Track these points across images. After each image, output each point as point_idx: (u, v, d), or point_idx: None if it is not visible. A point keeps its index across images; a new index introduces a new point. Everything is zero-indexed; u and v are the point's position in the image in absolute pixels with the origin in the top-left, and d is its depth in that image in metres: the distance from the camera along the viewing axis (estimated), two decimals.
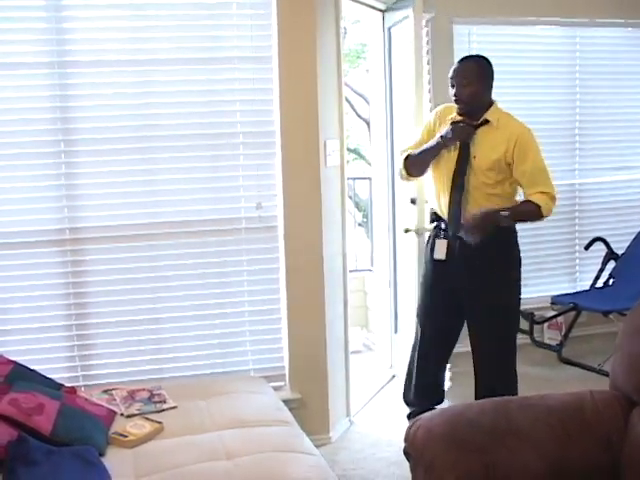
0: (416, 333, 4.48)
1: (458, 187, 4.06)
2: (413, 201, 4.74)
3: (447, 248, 4.17)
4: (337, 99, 4.48)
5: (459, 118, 4.09)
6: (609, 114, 6.44)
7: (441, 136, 4.07)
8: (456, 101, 4.06)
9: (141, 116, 4.16)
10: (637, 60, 6.45)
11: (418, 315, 4.46)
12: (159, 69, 4.15)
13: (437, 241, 4.22)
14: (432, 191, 4.32)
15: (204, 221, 4.27)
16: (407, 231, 4.77)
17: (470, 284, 4.14)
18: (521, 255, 4.22)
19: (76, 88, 4.06)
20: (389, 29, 5.40)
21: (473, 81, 4.00)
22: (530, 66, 6.14)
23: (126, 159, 4.14)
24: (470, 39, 5.94)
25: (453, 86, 4.04)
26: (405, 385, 4.56)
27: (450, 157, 4.10)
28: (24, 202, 4.05)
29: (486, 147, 4.02)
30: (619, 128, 6.49)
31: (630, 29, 6.37)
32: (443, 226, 4.20)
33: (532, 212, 4.01)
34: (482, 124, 4.06)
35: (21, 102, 4.00)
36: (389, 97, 5.48)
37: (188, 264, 4.28)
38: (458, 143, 4.06)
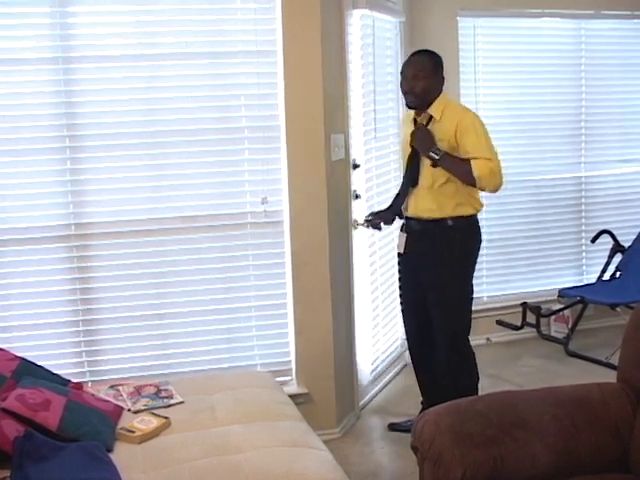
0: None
1: (409, 182, 4.19)
2: (357, 196, 4.72)
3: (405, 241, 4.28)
4: (342, 93, 4.47)
5: (413, 115, 4.20)
6: (615, 106, 6.44)
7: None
8: (407, 94, 4.10)
9: (146, 111, 4.16)
10: None
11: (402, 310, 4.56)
12: (163, 64, 4.14)
13: (400, 234, 4.34)
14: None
15: (210, 216, 4.27)
16: (357, 226, 4.74)
17: (425, 275, 4.22)
18: (480, 247, 4.31)
19: (81, 83, 4.06)
20: None
21: (429, 74, 4.06)
22: (535, 58, 6.13)
23: (131, 154, 4.14)
24: (475, 32, 5.93)
25: (405, 79, 4.10)
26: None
27: (406, 152, 4.23)
28: (30, 198, 4.05)
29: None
30: (625, 120, 6.48)
31: (636, 21, 6.35)
32: (404, 220, 4.33)
33: (464, 170, 3.97)
34: (430, 119, 4.10)
35: (26, 98, 4.00)
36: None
37: (194, 259, 4.28)
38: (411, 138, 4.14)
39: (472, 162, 3.93)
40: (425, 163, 4.07)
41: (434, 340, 4.31)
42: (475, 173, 3.93)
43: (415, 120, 4.17)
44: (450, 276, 4.16)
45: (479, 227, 4.26)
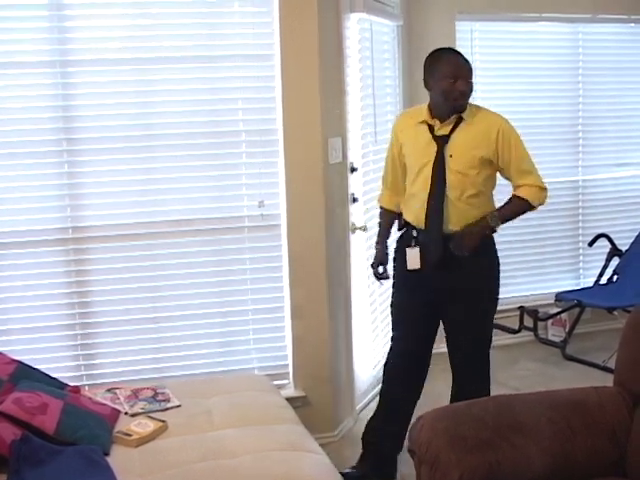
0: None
1: (438, 194, 3.73)
2: (355, 199, 4.72)
3: (421, 256, 3.82)
4: (339, 97, 4.47)
5: (424, 119, 3.79)
6: (612, 110, 6.44)
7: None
8: (461, 97, 3.69)
9: (143, 115, 4.16)
10: None
11: (396, 332, 4.09)
12: (161, 67, 4.14)
13: (408, 250, 3.85)
14: (404, 196, 3.96)
15: (207, 220, 4.27)
16: (354, 230, 4.72)
17: (451, 289, 3.82)
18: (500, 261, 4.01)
19: (78, 87, 4.06)
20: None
21: (471, 75, 3.79)
22: (532, 62, 6.14)
23: (129, 158, 4.14)
24: (472, 36, 5.94)
25: (455, 81, 3.66)
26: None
27: (423, 159, 3.77)
28: (27, 201, 4.05)
29: (463, 144, 3.71)
30: (622, 124, 6.48)
31: (633, 25, 6.37)
32: (414, 233, 3.84)
33: (521, 207, 3.85)
34: (457, 124, 3.74)
35: (23, 101, 4.00)
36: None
37: (191, 263, 4.28)
38: (434, 143, 3.74)
39: (524, 192, 3.80)
40: (451, 172, 3.70)
41: (423, 374, 4.08)
42: (534, 202, 3.85)
43: (429, 125, 3.78)
44: (488, 292, 3.92)
45: None
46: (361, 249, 4.86)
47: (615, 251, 6.11)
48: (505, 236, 6.07)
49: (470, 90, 3.74)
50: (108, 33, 4.06)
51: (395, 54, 5.48)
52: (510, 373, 5.50)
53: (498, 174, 3.88)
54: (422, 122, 3.80)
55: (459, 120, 3.74)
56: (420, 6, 5.74)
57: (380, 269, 4.08)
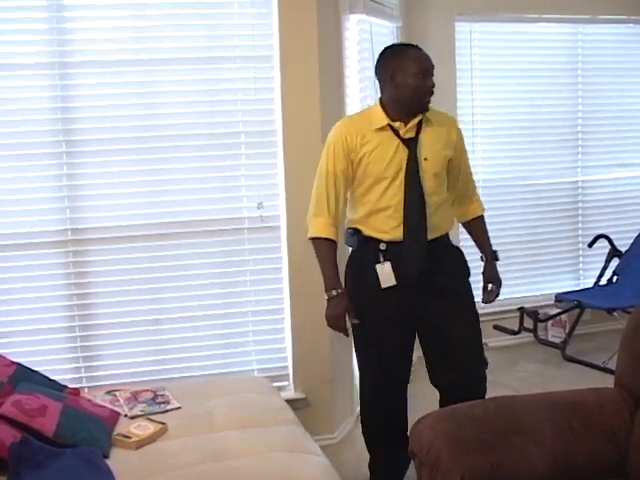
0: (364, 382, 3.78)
1: (416, 202, 3.43)
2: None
3: (394, 270, 3.47)
4: (339, 98, 4.47)
5: (387, 122, 3.44)
6: (611, 111, 6.45)
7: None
8: (429, 93, 3.43)
9: (143, 116, 4.16)
10: (639, 56, 6.44)
11: (364, 359, 3.73)
12: (160, 69, 4.15)
13: (379, 267, 3.47)
14: (359, 208, 3.56)
15: (206, 221, 4.26)
16: None
17: (435, 290, 3.51)
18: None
19: (78, 89, 4.06)
20: None
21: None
22: (532, 63, 6.14)
23: (128, 159, 4.14)
24: (472, 36, 5.94)
25: (422, 76, 3.39)
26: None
27: (394, 167, 3.42)
28: (26, 203, 4.05)
29: (433, 145, 3.46)
30: (622, 125, 6.49)
31: (632, 25, 6.38)
32: (382, 247, 3.47)
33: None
34: (420, 125, 3.45)
35: (23, 103, 4.01)
36: None
37: (191, 264, 4.28)
38: (404, 148, 3.41)
39: (480, 207, 3.82)
40: (428, 176, 3.44)
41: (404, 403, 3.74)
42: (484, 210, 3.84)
43: (393, 130, 3.43)
44: (469, 292, 3.71)
45: None
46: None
47: (615, 252, 6.11)
48: (505, 237, 6.08)
49: (434, 86, 3.46)
50: (107, 35, 4.07)
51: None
52: (510, 374, 5.50)
53: None
54: (383, 127, 3.43)
55: (420, 121, 3.45)
56: (419, 7, 5.74)
57: (347, 318, 3.53)
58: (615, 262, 6.11)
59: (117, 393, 3.70)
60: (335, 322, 3.52)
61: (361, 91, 4.80)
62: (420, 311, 3.54)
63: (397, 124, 3.43)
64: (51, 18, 3.99)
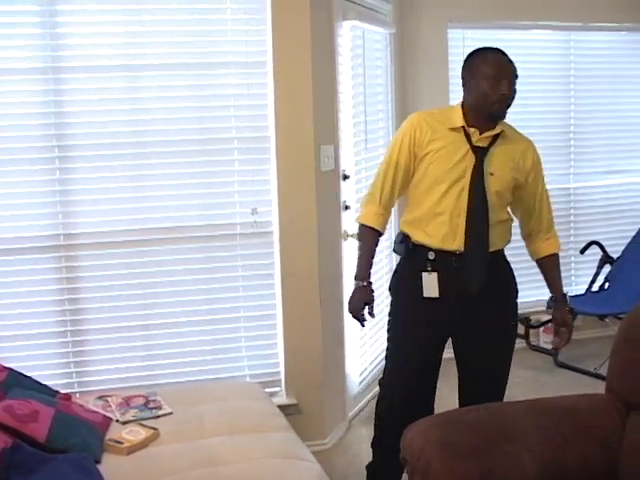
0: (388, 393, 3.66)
1: (479, 213, 3.30)
2: (347, 207, 4.71)
3: (439, 282, 3.36)
4: (332, 104, 4.48)
5: (461, 124, 3.32)
6: (604, 118, 6.47)
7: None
8: (500, 102, 3.27)
9: (136, 122, 4.15)
10: (631, 64, 6.48)
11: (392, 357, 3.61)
12: (154, 74, 4.14)
13: (425, 275, 3.36)
14: (415, 209, 3.44)
15: (199, 227, 4.26)
16: (347, 237, 4.70)
17: (479, 316, 3.40)
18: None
19: (70, 94, 4.05)
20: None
21: (515, 80, 3.35)
22: (524, 70, 6.03)
23: (121, 165, 4.13)
24: (464, 43, 5.95)
25: (499, 81, 3.25)
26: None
27: (457, 173, 3.30)
28: (18, 208, 4.04)
29: (503, 161, 3.33)
30: (614, 132, 6.51)
31: (624, 33, 6.40)
32: (431, 256, 3.36)
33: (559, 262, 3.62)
34: (495, 137, 3.34)
35: (15, 108, 4.00)
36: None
37: (183, 270, 4.28)
38: (472, 155, 3.29)
39: (556, 245, 3.59)
40: (489, 191, 3.30)
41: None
42: (560, 248, 3.62)
43: (466, 134, 3.32)
44: (514, 321, 3.66)
45: None
46: (353, 256, 4.85)
47: (607, 258, 6.13)
48: None
49: (512, 97, 3.31)
50: (100, 40, 4.06)
51: (387, 62, 5.49)
52: None
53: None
54: (457, 128, 3.32)
55: (498, 134, 3.33)
56: (412, 14, 5.76)
57: (366, 310, 3.48)
58: (607, 268, 6.12)
59: (109, 398, 3.69)
60: (353, 312, 3.50)
61: (354, 97, 4.81)
62: (459, 331, 3.47)
63: (472, 130, 3.31)
64: (44, 23, 3.99)
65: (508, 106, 3.31)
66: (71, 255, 4.13)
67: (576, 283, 6.50)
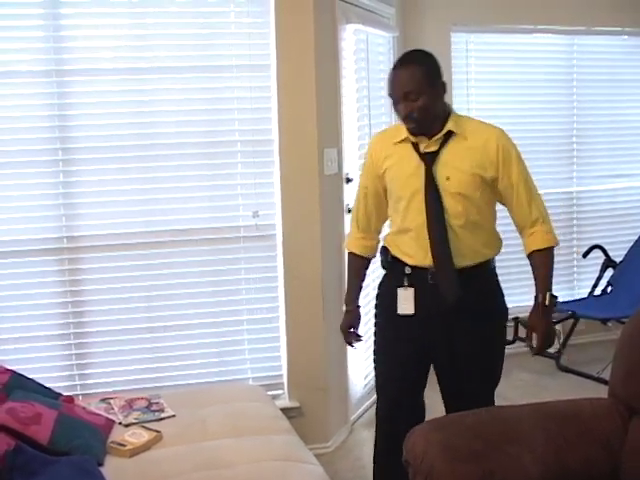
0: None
1: (438, 223, 3.12)
2: (350, 210, 4.67)
3: (415, 299, 3.22)
4: (335, 107, 4.48)
5: (411, 138, 3.16)
6: (607, 122, 6.47)
7: None
8: (405, 120, 3.09)
9: (139, 124, 4.16)
10: (634, 68, 6.48)
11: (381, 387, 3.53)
12: (157, 77, 4.15)
13: (400, 291, 3.24)
14: (391, 225, 3.37)
15: (202, 230, 4.27)
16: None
17: (454, 335, 3.25)
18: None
19: (74, 96, 4.07)
20: None
21: (424, 90, 3.06)
22: (527, 74, 6.16)
23: (124, 167, 4.14)
24: (468, 47, 5.96)
25: (397, 102, 3.11)
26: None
27: (414, 185, 3.15)
28: (22, 211, 4.05)
29: (459, 161, 3.10)
30: (617, 136, 6.51)
31: (627, 37, 6.40)
32: (407, 270, 3.23)
33: (551, 258, 3.25)
34: (447, 138, 3.13)
35: (19, 110, 4.01)
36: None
37: (186, 273, 4.28)
38: (422, 164, 3.13)
39: (543, 240, 3.23)
40: (447, 196, 3.12)
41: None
42: (554, 244, 3.26)
43: (413, 143, 3.17)
44: (493, 343, 3.43)
45: None
46: None
47: (609, 262, 6.12)
48: None
49: (418, 110, 3.05)
50: (104, 43, 4.07)
51: (390, 65, 5.47)
52: (504, 384, 5.43)
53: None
54: (402, 140, 3.19)
55: (449, 134, 3.12)
56: (415, 17, 5.76)
57: (350, 332, 3.51)
58: (609, 272, 6.12)
59: (112, 401, 3.69)
60: (343, 334, 3.54)
61: (358, 101, 4.82)
62: (437, 348, 3.30)
63: (420, 138, 3.14)
64: (48, 26, 4.00)
65: (420, 121, 3.08)
66: (74, 258, 4.14)
67: (579, 287, 6.50)
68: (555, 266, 6.37)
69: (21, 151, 4.02)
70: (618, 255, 6.11)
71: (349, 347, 3.66)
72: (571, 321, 5.86)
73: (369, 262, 3.51)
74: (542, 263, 3.25)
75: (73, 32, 4.06)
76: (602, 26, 6.23)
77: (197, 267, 4.30)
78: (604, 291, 6.10)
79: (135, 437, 3.23)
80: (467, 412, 3.02)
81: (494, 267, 3.38)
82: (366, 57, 4.94)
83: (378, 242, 3.47)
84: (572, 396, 3.16)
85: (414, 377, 3.39)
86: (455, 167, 3.10)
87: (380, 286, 3.45)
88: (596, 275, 6.16)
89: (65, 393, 3.68)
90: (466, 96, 5.99)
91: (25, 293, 4.10)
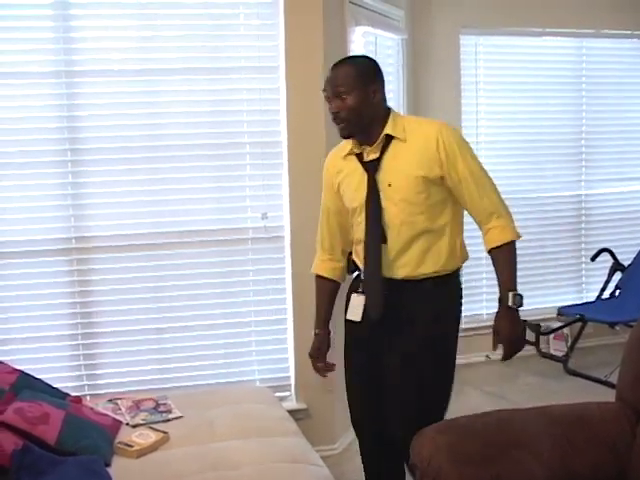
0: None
1: (373, 231, 3.02)
2: None
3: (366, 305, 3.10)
4: None
5: (351, 149, 3.07)
6: (615, 125, 6.47)
7: None
8: (334, 120, 3.00)
9: (148, 126, 4.17)
10: None
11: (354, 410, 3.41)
12: (166, 79, 4.16)
13: (353, 296, 3.17)
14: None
15: (210, 231, 4.27)
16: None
17: (395, 347, 3.08)
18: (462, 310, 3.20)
19: (83, 97, 4.08)
20: None
21: (353, 88, 2.93)
22: (536, 77, 6.16)
23: (133, 169, 4.15)
24: (477, 50, 5.96)
25: (329, 101, 3.02)
26: None
27: (362, 196, 3.04)
28: (31, 211, 4.06)
29: (400, 165, 2.95)
30: (625, 139, 6.50)
31: (636, 40, 6.39)
32: (363, 276, 3.14)
33: (512, 254, 3.02)
34: (387, 143, 2.99)
35: (28, 111, 4.02)
36: None
37: (194, 274, 4.29)
38: (365, 173, 3.02)
39: (501, 234, 2.98)
40: (390, 204, 2.98)
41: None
42: (515, 237, 3.02)
43: (359, 155, 3.05)
44: (436, 357, 3.07)
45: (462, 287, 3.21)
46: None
47: (617, 266, 6.11)
48: None
49: (347, 109, 2.95)
50: (114, 44, 4.09)
51: (399, 68, 5.49)
52: (511, 387, 5.50)
53: None
54: (349, 153, 3.09)
55: (389, 139, 2.98)
56: (424, 20, 5.76)
57: (319, 360, 3.42)
58: (618, 276, 6.11)
59: (119, 401, 3.70)
60: (310, 360, 3.45)
61: None
62: (382, 358, 3.14)
63: (364, 147, 3.03)
64: (57, 27, 4.02)
65: (348, 121, 2.97)
66: (83, 258, 4.15)
67: (587, 290, 6.49)
68: (563, 269, 6.38)
69: (30, 152, 4.03)
70: (626, 259, 6.10)
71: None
72: (579, 324, 5.85)
73: (338, 286, 3.37)
74: (502, 260, 3.01)
75: (82, 33, 4.07)
76: (611, 29, 6.23)
77: (205, 268, 4.31)
78: (612, 294, 6.09)
79: (142, 438, 3.24)
80: (474, 415, 3.02)
81: (455, 281, 3.13)
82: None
83: (345, 265, 3.34)
84: (579, 400, 3.15)
85: (375, 387, 3.20)
86: (398, 172, 2.96)
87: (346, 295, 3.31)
88: (604, 278, 6.16)
89: (73, 393, 3.69)
90: (475, 98, 5.99)
91: (33, 293, 4.10)
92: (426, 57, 5.76)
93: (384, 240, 3.00)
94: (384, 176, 2.97)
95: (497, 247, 2.98)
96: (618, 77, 6.42)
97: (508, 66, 6.11)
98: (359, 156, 3.05)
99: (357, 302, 3.13)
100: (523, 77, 6.13)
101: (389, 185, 2.96)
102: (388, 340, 3.08)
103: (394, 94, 5.41)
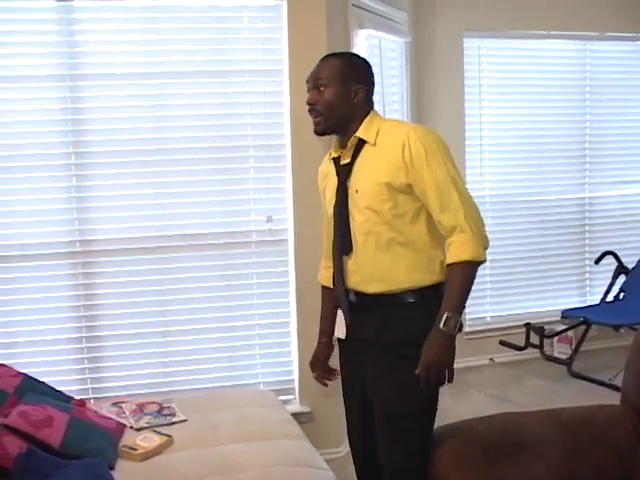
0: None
1: (340, 239, 2.86)
2: None
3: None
4: None
5: (333, 153, 2.94)
6: (619, 128, 6.47)
7: None
8: (309, 111, 2.88)
9: (152, 129, 4.18)
10: None
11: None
12: (170, 82, 4.16)
13: (339, 312, 2.96)
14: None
15: (215, 234, 4.28)
16: None
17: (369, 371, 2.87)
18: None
19: (87, 101, 4.08)
20: None
21: (333, 82, 2.83)
22: (540, 79, 6.16)
23: (137, 172, 4.16)
24: (480, 52, 5.97)
25: (308, 91, 2.92)
26: None
27: (332, 202, 2.90)
28: (35, 214, 4.07)
29: (368, 171, 2.74)
30: (629, 142, 6.50)
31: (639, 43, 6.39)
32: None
33: (466, 276, 2.62)
34: (360, 146, 2.80)
35: (33, 115, 4.03)
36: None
37: (198, 277, 4.29)
38: (336, 178, 2.87)
39: (460, 252, 2.61)
40: (357, 211, 2.77)
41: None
42: (479, 258, 2.62)
43: (335, 159, 2.90)
44: (407, 382, 2.66)
45: None
46: None
47: (621, 269, 6.11)
48: (512, 253, 6.10)
49: (323, 101, 2.84)
50: (117, 48, 4.09)
51: (403, 70, 5.49)
52: (515, 390, 5.49)
53: None
54: (330, 159, 2.96)
55: (362, 143, 2.79)
56: (428, 23, 5.77)
57: (317, 369, 3.26)
58: (622, 279, 6.11)
59: (123, 405, 3.71)
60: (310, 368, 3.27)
61: None
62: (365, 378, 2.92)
63: (342, 151, 2.87)
64: (62, 31, 4.02)
65: (322, 114, 2.85)
66: (87, 262, 4.15)
67: (591, 293, 6.49)
68: (567, 272, 6.33)
69: (34, 155, 4.04)
70: (630, 261, 6.10)
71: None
72: (583, 327, 5.85)
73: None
74: (452, 279, 2.64)
75: (87, 37, 4.08)
76: (615, 32, 6.24)
77: (209, 272, 4.31)
78: (616, 297, 6.08)
79: (146, 441, 3.24)
80: (479, 419, 3.02)
81: (433, 299, 2.70)
82: (379, 62, 4.93)
83: None
84: (584, 403, 3.15)
85: (356, 407, 3.08)
86: (365, 178, 2.75)
87: None
88: (608, 281, 6.15)
89: (77, 396, 3.69)
90: (478, 101, 5.99)
91: (38, 296, 4.11)
92: (430, 60, 5.77)
93: (347, 251, 2.82)
94: (353, 181, 2.79)
95: (450, 265, 2.65)
96: (622, 80, 6.42)
97: (512, 69, 6.11)
98: (335, 160, 2.90)
99: (340, 318, 2.96)
100: (526, 80, 6.13)
101: (356, 191, 2.77)
102: (362, 361, 2.87)
103: (398, 97, 5.41)
